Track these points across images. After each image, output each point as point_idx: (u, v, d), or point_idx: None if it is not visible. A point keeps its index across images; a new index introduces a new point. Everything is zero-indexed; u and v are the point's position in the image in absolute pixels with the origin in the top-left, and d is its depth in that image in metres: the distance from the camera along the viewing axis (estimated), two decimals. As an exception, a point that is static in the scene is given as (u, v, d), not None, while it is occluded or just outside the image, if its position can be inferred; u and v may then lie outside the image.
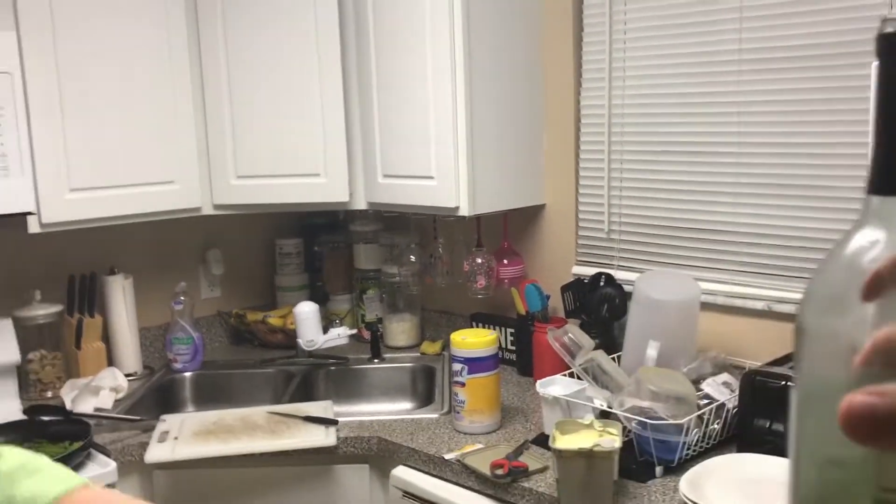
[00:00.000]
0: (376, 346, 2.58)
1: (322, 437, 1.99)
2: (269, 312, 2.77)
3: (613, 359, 1.97)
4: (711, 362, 1.95)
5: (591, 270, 2.26)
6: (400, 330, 2.68)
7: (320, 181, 2.38)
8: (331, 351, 2.54)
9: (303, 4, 2.28)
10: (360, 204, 2.43)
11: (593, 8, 2.23)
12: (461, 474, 1.82)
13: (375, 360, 2.57)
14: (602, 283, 2.21)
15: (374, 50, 2.28)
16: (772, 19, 1.89)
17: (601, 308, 2.20)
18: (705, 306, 2.01)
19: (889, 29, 0.37)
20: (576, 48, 2.29)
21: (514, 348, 2.44)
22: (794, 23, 1.86)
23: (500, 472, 1.73)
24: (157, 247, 2.68)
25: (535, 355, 2.28)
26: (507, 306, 2.46)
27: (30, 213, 2.07)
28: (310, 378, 2.51)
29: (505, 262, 2.44)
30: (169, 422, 2.11)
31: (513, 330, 2.44)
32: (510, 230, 2.47)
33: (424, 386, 2.46)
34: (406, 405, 2.48)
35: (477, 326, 2.50)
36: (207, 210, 2.44)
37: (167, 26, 2.28)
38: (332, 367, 2.55)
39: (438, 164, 2.20)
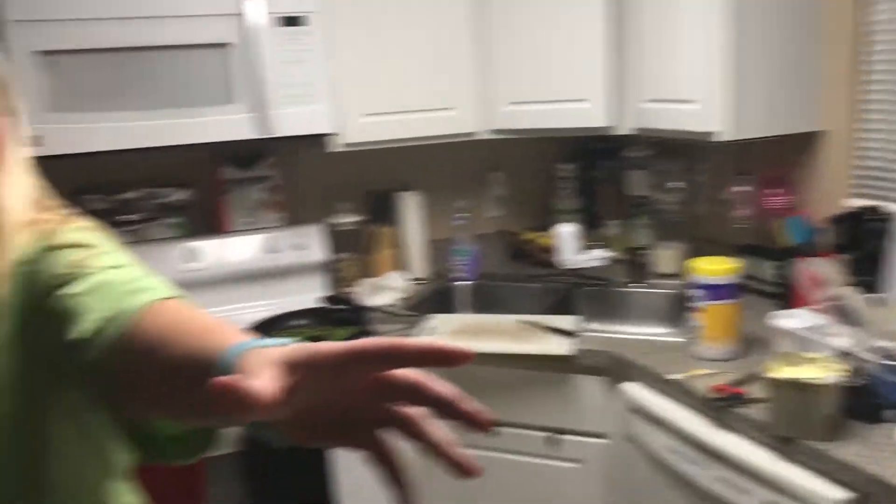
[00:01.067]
0: (639, 270, 2.63)
1: (557, 347, 2.13)
2: (542, 233, 2.94)
3: (878, 298, 1.84)
4: None
5: (869, 204, 2.09)
6: (666, 256, 2.70)
7: (585, 106, 2.46)
8: (594, 272, 2.65)
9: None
10: (624, 129, 2.47)
11: (887, -90, 2.01)
12: (684, 395, 1.86)
13: (636, 285, 2.63)
14: (875, 217, 2.04)
15: (641, -27, 2.28)
16: None
17: (872, 243, 2.03)
18: None
19: None
20: (864, -43, 2.08)
21: (779, 282, 2.34)
22: None
23: (719, 395, 1.74)
24: (446, 168, 2.97)
25: (795, 289, 2.17)
26: (771, 240, 2.36)
27: (332, 135, 2.44)
28: (570, 295, 2.65)
29: (772, 191, 2.34)
30: (435, 320, 2.39)
31: (777, 262, 2.34)
32: (782, 157, 2.35)
33: (680, 315, 2.47)
34: (661, 329, 2.51)
35: (741, 257, 2.43)
36: (483, 135, 2.64)
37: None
38: (593, 287, 2.65)
39: (699, 88, 2.16)
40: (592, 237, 2.80)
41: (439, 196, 2.93)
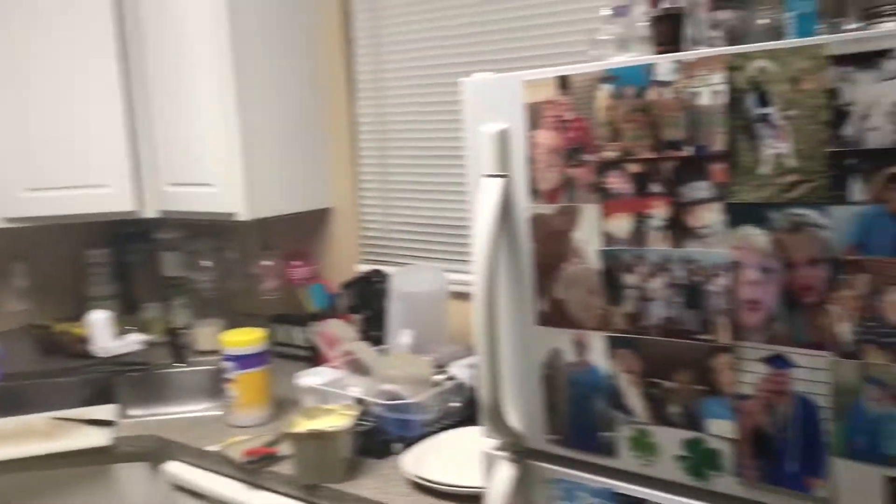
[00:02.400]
0: (178, 351, 2.65)
1: (95, 438, 2.06)
2: (76, 323, 2.80)
3: (382, 349, 2.11)
4: (465, 347, 2.11)
5: (373, 268, 2.40)
6: (205, 334, 2.76)
7: (107, 191, 2.44)
8: (132, 357, 2.60)
9: (78, 21, 2.35)
10: (150, 212, 2.50)
11: (361, 23, 2.38)
12: (221, 464, 1.93)
13: (178, 365, 2.64)
14: (377, 280, 2.36)
15: (151, 64, 2.37)
16: (507, 32, 2.08)
17: (376, 302, 2.34)
18: (460, 296, 2.17)
19: None
20: (347, 61, 2.43)
21: (306, 345, 2.56)
22: (532, 34, 2.05)
23: (251, 458, 1.84)
24: (-46, 262, 2.69)
25: (318, 350, 2.40)
26: (301, 307, 2.57)
27: None
28: (109, 384, 2.56)
29: (296, 263, 2.56)
30: (-55, 433, 2.13)
31: (304, 327, 2.55)
32: (300, 233, 2.59)
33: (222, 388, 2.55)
34: (204, 406, 2.55)
35: (276, 327, 2.60)
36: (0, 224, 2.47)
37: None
38: (134, 373, 2.61)
39: (216, 172, 2.30)
40: (131, 322, 2.76)
41: (-53, 293, 2.63)
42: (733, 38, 1.07)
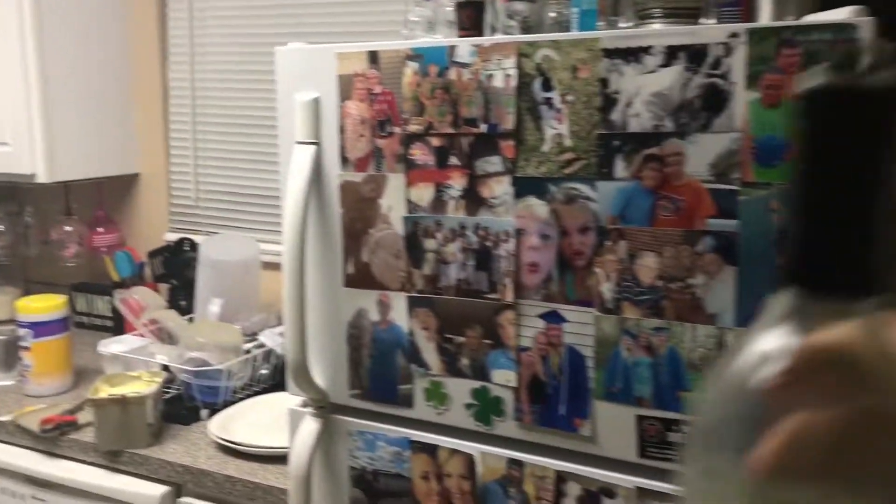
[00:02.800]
0: (-34, 319, 2.49)
1: None
2: None
3: (190, 318, 2.10)
4: (276, 315, 2.15)
5: (183, 237, 2.37)
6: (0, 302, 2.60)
7: None
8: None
9: None
10: (-65, 171, 2.32)
11: (175, -16, 2.34)
12: (16, 434, 1.85)
13: (-35, 335, 2.48)
14: (187, 248, 2.33)
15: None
16: (325, 6, 2.12)
17: (186, 271, 2.32)
18: (271, 266, 2.20)
19: (816, 88, 0.31)
20: (160, 26, 2.37)
21: (110, 315, 2.48)
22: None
23: (48, 427, 1.79)
24: None
25: (124, 319, 2.34)
26: (104, 275, 2.49)
27: None
28: None
29: (100, 230, 2.47)
30: None
31: (109, 297, 2.48)
32: (106, 199, 2.50)
33: (9, 362, 2.42)
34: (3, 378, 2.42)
35: (77, 295, 2.51)
36: None
37: None
38: (-88, 344, 2.41)
39: (13, 130, 2.18)
40: None
41: None
42: (526, 28, 1.18)
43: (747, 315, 0.95)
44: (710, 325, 0.98)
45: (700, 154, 0.96)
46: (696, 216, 0.97)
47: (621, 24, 1.13)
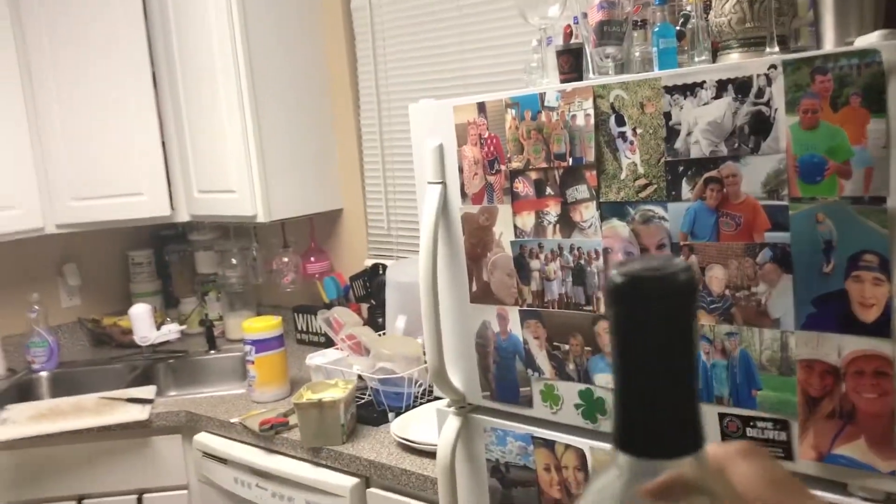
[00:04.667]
0: (211, 339, 2.98)
1: (136, 414, 2.39)
2: (122, 316, 3.15)
3: (382, 333, 2.40)
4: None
5: (377, 262, 2.69)
6: (235, 325, 3.08)
7: (143, 199, 2.77)
8: (171, 346, 2.93)
9: (117, 49, 2.68)
10: (184, 217, 2.83)
11: (362, 43, 2.67)
12: (242, 433, 2.23)
13: (212, 352, 2.97)
14: (381, 272, 2.64)
15: (180, 83, 2.69)
16: (485, 50, 2.34)
17: (381, 292, 2.63)
18: (451, 285, 2.44)
19: (619, 280, 0.35)
20: (351, 74, 2.72)
21: (322, 333, 2.86)
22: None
23: (265, 427, 2.14)
24: (16, 263, 3.05)
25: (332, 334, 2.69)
26: (318, 298, 2.87)
27: None
28: (151, 370, 2.90)
29: (312, 259, 2.86)
30: (11, 410, 2.48)
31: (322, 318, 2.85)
32: (316, 232, 2.89)
33: (243, 374, 2.86)
34: (232, 386, 2.87)
35: (296, 316, 2.91)
36: (51, 230, 2.81)
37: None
38: (171, 360, 2.94)
39: (237, 179, 2.61)
40: (171, 314, 3.09)
41: (10, 291, 2.99)
42: (619, 68, 1.32)
43: (805, 317, 1.03)
44: (774, 329, 1.07)
45: (753, 174, 1.05)
46: (755, 230, 1.06)
47: (698, 59, 1.24)
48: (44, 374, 2.91)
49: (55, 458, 2.42)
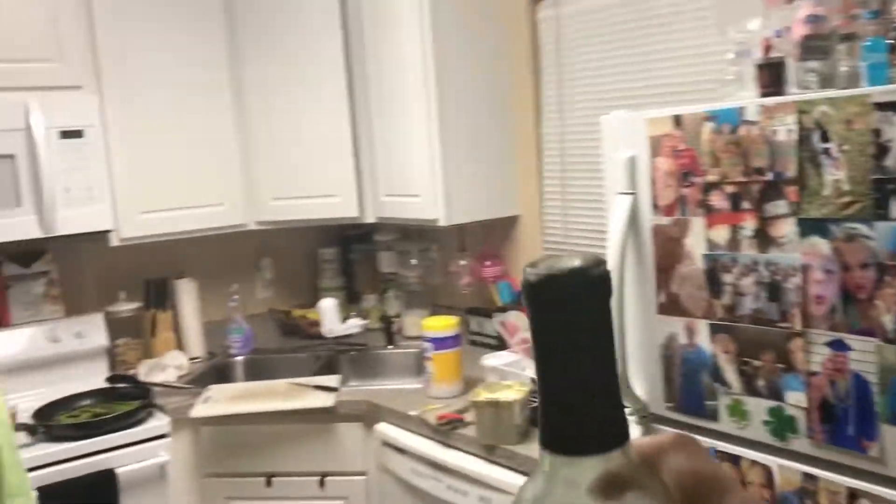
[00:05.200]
0: (390, 335, 3.13)
1: (323, 400, 2.56)
2: (309, 309, 3.37)
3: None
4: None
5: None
6: (411, 323, 3.22)
7: (336, 201, 2.96)
8: (353, 339, 3.11)
9: (315, 60, 2.89)
10: (370, 218, 2.99)
11: (547, 54, 2.72)
12: (420, 426, 2.34)
13: (389, 347, 3.13)
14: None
15: (373, 90, 2.85)
16: (669, 61, 2.33)
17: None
18: (627, 295, 2.45)
19: (531, 277, 0.35)
20: (535, 87, 2.78)
21: (494, 335, 2.93)
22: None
23: (443, 422, 2.24)
24: (219, 255, 3.33)
25: (503, 337, 2.77)
26: (491, 301, 2.95)
27: (112, 231, 2.74)
28: (334, 361, 3.09)
29: (487, 263, 2.95)
30: (213, 389, 2.73)
31: (494, 319, 2.93)
32: (492, 237, 2.98)
33: (420, 369, 2.98)
34: (409, 380, 3.00)
35: (470, 317, 3.01)
36: (251, 226, 3.06)
37: (211, 76, 2.93)
38: (353, 352, 3.12)
39: (421, 185, 2.74)
40: (353, 310, 3.28)
41: (214, 281, 3.28)
42: (823, 82, 1.30)
43: None
44: None
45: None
46: (972, 253, 1.02)
47: (912, 72, 1.20)
48: (239, 358, 3.17)
49: (248, 437, 2.63)
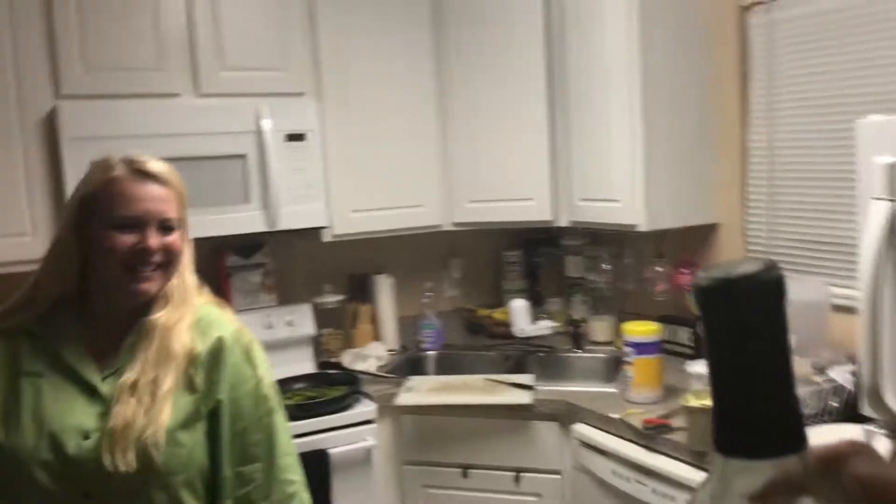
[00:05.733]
0: (578, 339, 3.17)
1: (520, 397, 2.62)
2: (495, 309, 3.46)
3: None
4: (846, 354, 2.32)
5: (754, 278, 2.68)
6: (599, 328, 3.24)
7: (532, 204, 3.03)
8: (540, 341, 3.17)
9: (516, 67, 2.97)
10: (562, 222, 3.04)
11: (758, 60, 2.68)
12: (622, 428, 2.36)
13: (577, 350, 3.16)
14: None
15: (572, 95, 2.90)
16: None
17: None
18: (842, 308, 2.36)
19: (708, 282, 0.34)
20: (741, 93, 2.74)
21: (690, 345, 2.91)
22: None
23: (649, 426, 2.25)
24: (414, 254, 3.48)
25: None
26: (687, 310, 2.93)
27: (325, 227, 2.93)
28: (523, 360, 3.16)
29: (684, 271, 2.93)
30: (414, 380, 2.86)
31: (690, 329, 2.91)
32: (690, 244, 2.95)
33: (612, 374, 2.99)
34: (598, 384, 3.02)
35: (662, 325, 2.99)
36: (447, 227, 3.19)
37: (418, 83, 3.07)
38: (541, 354, 3.17)
39: (622, 190, 2.76)
40: (536, 312, 3.33)
41: (408, 278, 3.42)
42: None
43: None
44: None
45: None
46: None
47: None
48: (431, 353, 3.30)
49: (446, 428, 2.73)
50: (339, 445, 2.60)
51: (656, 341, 2.52)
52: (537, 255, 3.58)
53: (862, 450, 0.41)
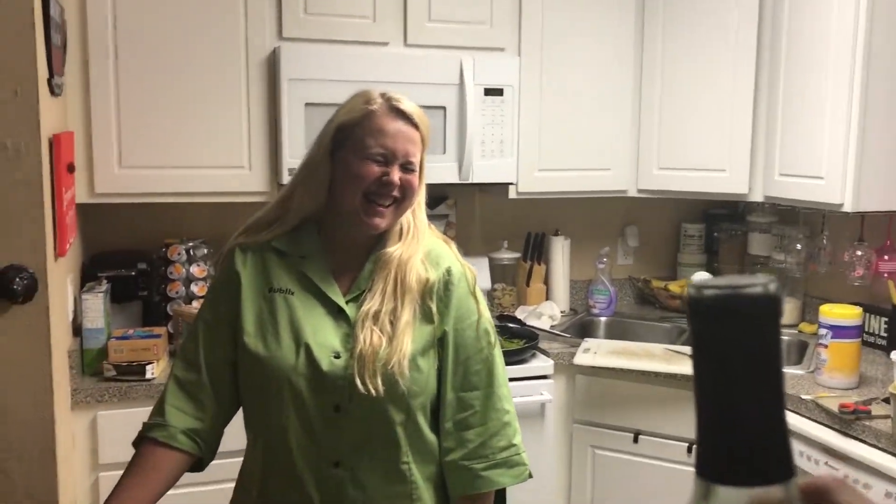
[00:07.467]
0: (758, 317, 3.07)
1: (703, 369, 2.58)
2: (671, 282, 3.41)
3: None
4: None
5: (969, 271, 2.52)
6: (784, 309, 3.13)
7: (725, 175, 2.95)
8: (718, 316, 3.10)
9: (725, 33, 2.88)
10: (758, 197, 2.94)
11: None
12: (814, 411, 2.29)
13: (756, 330, 3.07)
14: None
15: (783, 67, 2.78)
16: None
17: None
18: None
19: (700, 295, 0.33)
20: (975, 71, 2.55)
21: (885, 335, 2.77)
22: None
23: (846, 410, 2.17)
24: (591, 218, 3.47)
25: (903, 338, 2.60)
26: (883, 298, 2.79)
27: (511, 184, 2.97)
28: (698, 334, 3.10)
29: (885, 257, 2.78)
30: (590, 342, 2.87)
31: (887, 318, 2.76)
32: (894, 230, 2.79)
33: (797, 357, 2.90)
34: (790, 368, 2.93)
35: (853, 312, 2.86)
36: (632, 193, 3.15)
37: (617, 46, 3.04)
38: (718, 329, 3.10)
39: (830, 167, 2.63)
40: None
41: (582, 242, 3.42)
42: None
43: None
44: None
45: None
46: None
47: None
48: (602, 318, 3.29)
49: (619, 392, 2.73)
50: (516, 396, 2.64)
51: (857, 325, 2.41)
52: (718, 230, 3.48)
53: (844, 485, 0.42)
